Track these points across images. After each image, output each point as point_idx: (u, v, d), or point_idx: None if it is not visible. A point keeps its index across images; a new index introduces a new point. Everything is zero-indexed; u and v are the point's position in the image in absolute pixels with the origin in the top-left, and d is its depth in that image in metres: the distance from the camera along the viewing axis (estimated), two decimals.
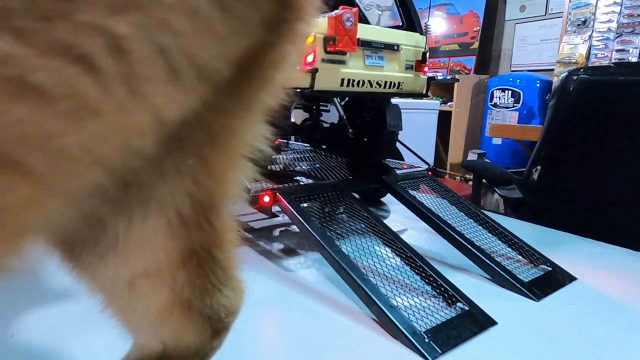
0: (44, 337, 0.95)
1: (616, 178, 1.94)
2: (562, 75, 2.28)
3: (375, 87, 1.43)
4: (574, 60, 4.58)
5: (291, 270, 1.33)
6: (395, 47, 1.44)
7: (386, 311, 1.01)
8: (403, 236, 1.62)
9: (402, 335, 0.97)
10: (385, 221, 1.46)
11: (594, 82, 2.08)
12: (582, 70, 2.19)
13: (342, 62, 1.31)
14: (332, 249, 1.16)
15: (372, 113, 1.72)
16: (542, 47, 5.75)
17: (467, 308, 1.08)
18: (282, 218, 1.43)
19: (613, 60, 4.06)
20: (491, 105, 5.46)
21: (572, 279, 1.32)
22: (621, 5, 3.98)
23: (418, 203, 1.54)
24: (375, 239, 1.30)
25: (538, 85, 5.12)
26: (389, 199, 1.91)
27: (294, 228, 1.44)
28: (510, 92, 5.17)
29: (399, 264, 1.22)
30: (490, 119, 5.53)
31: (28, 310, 1.05)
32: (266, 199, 1.31)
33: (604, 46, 4.16)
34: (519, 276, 1.26)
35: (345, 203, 1.45)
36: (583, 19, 4.36)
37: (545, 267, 1.34)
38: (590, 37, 4.32)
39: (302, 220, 1.24)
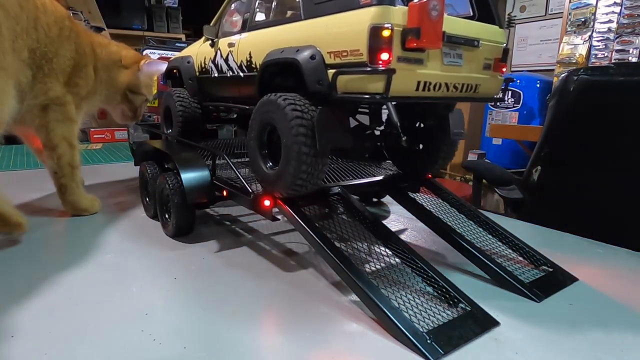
0: (44, 337, 0.95)
1: (616, 178, 1.94)
2: (562, 75, 2.28)
3: (452, 91, 1.20)
4: (574, 61, 4.58)
5: (291, 270, 1.33)
6: (476, 43, 1.22)
7: (388, 312, 1.01)
8: (403, 236, 1.62)
9: (403, 336, 0.97)
10: (385, 221, 1.46)
11: (594, 83, 2.08)
12: (582, 70, 2.19)
13: (419, 62, 1.10)
14: (332, 251, 1.15)
15: (432, 119, 1.53)
16: (542, 47, 5.75)
17: (468, 308, 1.08)
18: (282, 219, 1.43)
19: (613, 61, 4.07)
20: (491, 105, 5.46)
21: (573, 279, 1.31)
22: (621, 6, 3.98)
23: (418, 205, 1.54)
24: (375, 240, 1.29)
25: (538, 85, 5.13)
26: (389, 199, 1.90)
27: (294, 229, 1.44)
28: (510, 92, 5.18)
29: (399, 265, 1.21)
30: (490, 119, 5.54)
31: (28, 310, 1.05)
32: (267, 202, 1.31)
33: (604, 46, 4.16)
34: (519, 277, 1.26)
35: (345, 204, 1.45)
36: (583, 19, 4.36)
37: (546, 268, 1.34)
38: (590, 37, 4.32)
39: (302, 223, 1.24)
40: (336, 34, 1.15)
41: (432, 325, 1.01)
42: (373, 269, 1.18)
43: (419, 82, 1.11)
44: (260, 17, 1.65)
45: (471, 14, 1.34)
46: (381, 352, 0.94)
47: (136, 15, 4.47)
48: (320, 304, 1.13)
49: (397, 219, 1.85)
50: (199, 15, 5.00)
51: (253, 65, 1.47)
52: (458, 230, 1.41)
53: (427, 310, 1.06)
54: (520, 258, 1.37)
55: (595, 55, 4.31)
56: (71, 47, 1.66)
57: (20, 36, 1.46)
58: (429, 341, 0.95)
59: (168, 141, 1.96)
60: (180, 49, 2.51)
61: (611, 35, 4.12)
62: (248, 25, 1.57)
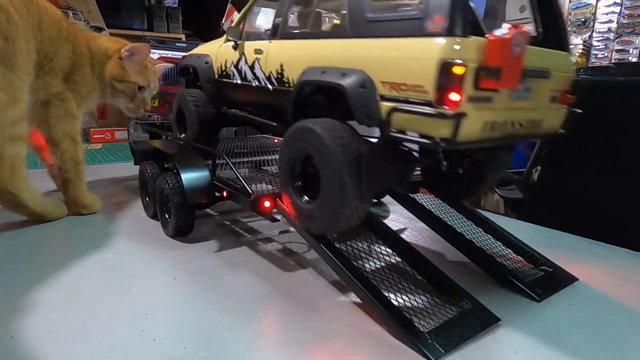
0: (44, 337, 0.95)
1: (616, 178, 1.94)
2: None
3: (516, 129, 1.03)
4: (574, 61, 4.58)
5: (291, 270, 1.32)
6: (547, 74, 1.04)
7: (388, 312, 1.01)
8: (403, 236, 1.62)
9: (404, 335, 0.97)
10: (385, 221, 1.46)
11: (594, 83, 2.08)
12: (582, 70, 2.19)
13: (488, 100, 0.94)
14: (332, 251, 1.15)
15: None
16: None
17: (469, 308, 1.08)
18: (282, 219, 1.43)
19: (613, 61, 4.07)
20: None
21: (573, 279, 1.31)
22: (621, 6, 3.98)
23: (418, 205, 1.54)
24: (375, 240, 1.29)
25: None
26: (389, 199, 1.90)
27: (293, 229, 1.44)
28: None
29: (399, 265, 1.21)
30: None
31: (28, 310, 1.05)
32: (267, 203, 1.30)
33: (604, 46, 4.16)
34: (520, 277, 1.25)
35: None
36: (583, 19, 4.36)
37: (546, 267, 1.34)
38: (590, 37, 4.32)
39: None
40: (394, 62, 0.98)
41: (432, 324, 1.01)
42: (373, 268, 1.18)
43: (485, 123, 0.94)
44: (293, 23, 1.49)
45: (535, 34, 1.18)
46: (381, 352, 0.94)
47: (136, 15, 4.47)
48: (320, 304, 1.13)
49: (397, 219, 1.85)
50: (199, 15, 5.00)
51: (285, 80, 1.31)
52: (458, 230, 1.42)
53: (428, 310, 1.06)
54: (520, 258, 1.37)
55: (595, 55, 4.31)
56: (69, 48, 1.69)
57: (29, 37, 1.50)
58: (429, 340, 0.95)
59: (168, 141, 1.96)
60: (180, 49, 2.50)
61: (611, 35, 4.12)
62: (280, 32, 1.38)
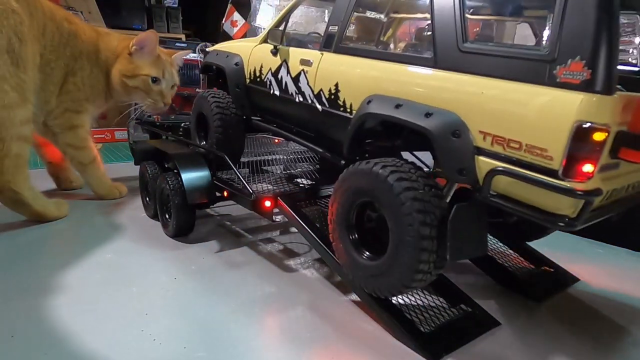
0: (44, 337, 0.94)
1: None
2: None
3: (629, 192, 0.91)
4: None
5: (291, 270, 1.32)
6: None
7: (388, 312, 1.01)
8: None
9: (404, 336, 0.97)
10: None
11: None
12: None
13: (615, 167, 0.79)
14: (332, 251, 1.15)
15: None
16: None
17: (469, 309, 1.08)
18: (282, 219, 1.43)
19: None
20: None
21: (574, 279, 1.31)
22: None
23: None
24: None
25: None
26: None
27: (294, 229, 1.44)
28: None
29: None
30: None
31: (28, 310, 1.05)
32: (267, 203, 1.30)
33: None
34: (520, 277, 1.25)
35: None
36: None
37: (546, 267, 1.34)
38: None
39: (302, 223, 1.23)
40: (502, 111, 0.79)
41: (433, 325, 1.01)
42: None
43: (606, 192, 0.79)
44: (355, 35, 1.29)
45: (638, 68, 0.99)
46: (382, 353, 0.94)
47: (136, 15, 4.46)
48: (320, 304, 1.13)
49: None
50: (199, 15, 5.00)
51: (340, 103, 1.13)
52: None
53: (428, 310, 1.06)
54: (521, 258, 1.37)
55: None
56: (66, 54, 1.69)
57: (34, 42, 1.52)
58: (430, 341, 0.95)
59: (168, 141, 1.95)
60: (180, 49, 2.49)
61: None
62: (336, 44, 1.18)
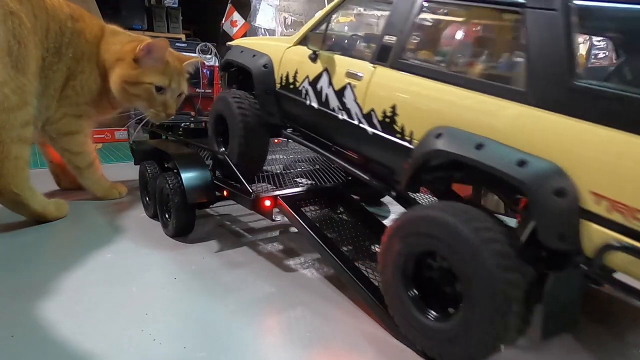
0: (44, 337, 0.94)
1: None
2: None
3: None
4: None
5: (291, 270, 1.32)
6: None
7: (389, 312, 1.01)
8: None
9: (405, 336, 0.96)
10: (385, 221, 1.46)
11: None
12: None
13: None
14: (333, 251, 1.15)
15: None
16: None
17: None
18: (282, 219, 1.43)
19: (614, 61, 4.05)
20: None
21: None
22: None
23: (418, 204, 1.53)
24: (376, 240, 1.29)
25: None
26: (388, 199, 1.90)
27: (294, 229, 1.44)
28: None
29: None
30: None
31: (28, 310, 1.05)
32: (267, 203, 1.30)
33: (604, 46, 4.14)
34: None
35: (345, 205, 1.45)
36: None
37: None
38: (590, 37, 4.30)
39: (302, 223, 1.23)
40: (632, 172, 0.63)
41: None
42: (373, 268, 1.18)
43: None
44: (420, 49, 1.06)
45: None
46: (382, 352, 0.94)
47: (136, 15, 4.47)
48: (320, 304, 1.13)
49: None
50: (199, 15, 5.00)
51: (396, 128, 0.98)
52: None
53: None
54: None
55: (596, 55, 4.30)
56: (68, 54, 1.67)
57: (37, 44, 1.52)
58: None
59: (168, 141, 1.95)
60: (180, 49, 2.49)
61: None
62: (393, 58, 1.01)
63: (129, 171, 2.30)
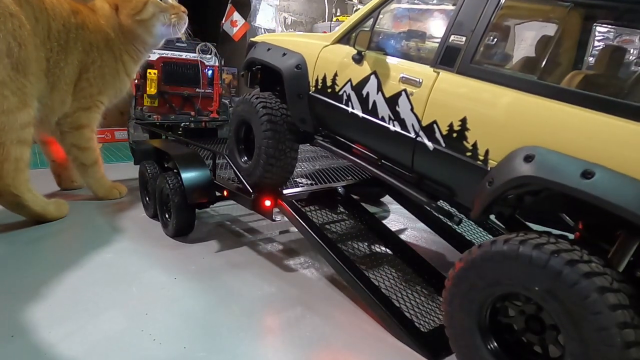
0: (44, 337, 0.95)
1: None
2: None
3: None
4: None
5: (291, 270, 1.32)
6: None
7: (389, 312, 1.01)
8: (403, 236, 1.62)
9: (405, 335, 0.96)
10: (385, 221, 1.46)
11: None
12: None
13: None
14: (332, 251, 1.15)
15: None
16: None
17: None
18: (282, 219, 1.43)
19: None
20: None
21: None
22: None
23: (418, 205, 1.53)
24: (376, 240, 1.29)
25: None
26: (388, 199, 1.90)
27: (294, 229, 1.44)
28: None
29: (400, 265, 1.21)
30: None
31: (28, 310, 1.05)
32: (267, 203, 1.30)
33: (604, 46, 4.14)
34: None
35: (345, 205, 1.45)
36: None
37: None
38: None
39: (302, 223, 1.23)
40: None
41: (433, 324, 1.00)
42: (373, 268, 1.18)
43: None
44: (498, 53, 0.96)
45: None
46: (382, 352, 0.94)
47: None
48: (320, 304, 1.13)
49: (397, 219, 1.85)
50: (199, 15, 5.00)
51: (467, 146, 0.84)
52: (457, 230, 1.41)
53: (429, 310, 1.06)
54: None
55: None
56: (78, 49, 1.68)
57: (39, 46, 1.53)
58: (430, 340, 0.95)
59: (168, 141, 1.95)
60: (179, 49, 2.47)
61: (611, 35, 4.10)
62: (462, 62, 0.87)
63: (129, 171, 2.30)
